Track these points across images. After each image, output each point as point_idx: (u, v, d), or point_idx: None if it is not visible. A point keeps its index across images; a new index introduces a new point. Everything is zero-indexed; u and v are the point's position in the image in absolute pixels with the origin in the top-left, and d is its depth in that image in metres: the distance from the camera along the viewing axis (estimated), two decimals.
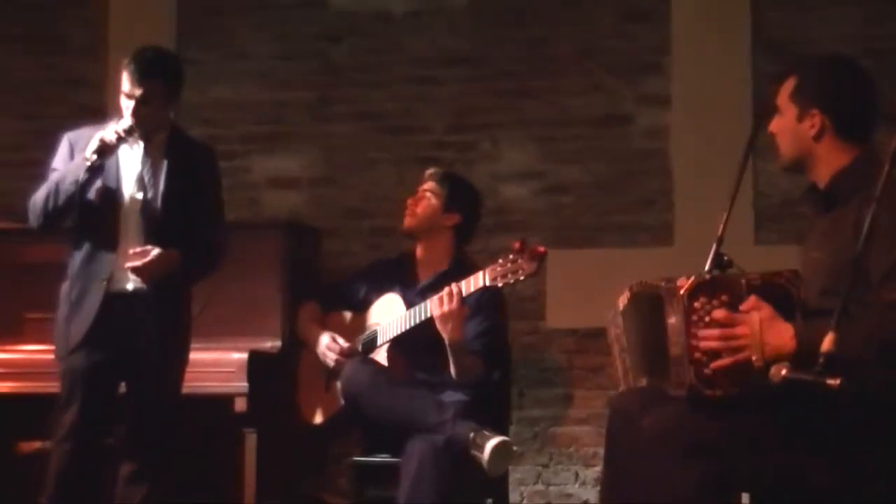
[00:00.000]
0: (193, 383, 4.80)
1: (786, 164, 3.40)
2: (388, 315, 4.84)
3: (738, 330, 3.09)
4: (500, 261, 4.45)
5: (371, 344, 4.87)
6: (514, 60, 6.34)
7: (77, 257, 4.54)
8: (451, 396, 4.67)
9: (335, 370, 4.88)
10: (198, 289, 4.73)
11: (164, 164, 4.57)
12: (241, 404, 5.32)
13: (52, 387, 4.61)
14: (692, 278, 3.17)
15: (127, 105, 4.47)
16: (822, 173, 3.30)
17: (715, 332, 3.11)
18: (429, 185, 4.98)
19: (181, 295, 4.64)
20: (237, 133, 6.52)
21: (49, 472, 4.51)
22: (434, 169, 5.10)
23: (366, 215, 6.38)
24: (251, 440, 5.35)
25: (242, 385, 5.31)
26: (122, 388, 4.62)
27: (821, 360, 2.80)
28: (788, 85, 3.34)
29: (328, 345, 4.94)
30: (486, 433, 4.40)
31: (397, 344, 4.78)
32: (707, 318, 3.13)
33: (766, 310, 3.09)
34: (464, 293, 4.53)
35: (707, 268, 3.32)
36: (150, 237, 4.48)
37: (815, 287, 3.18)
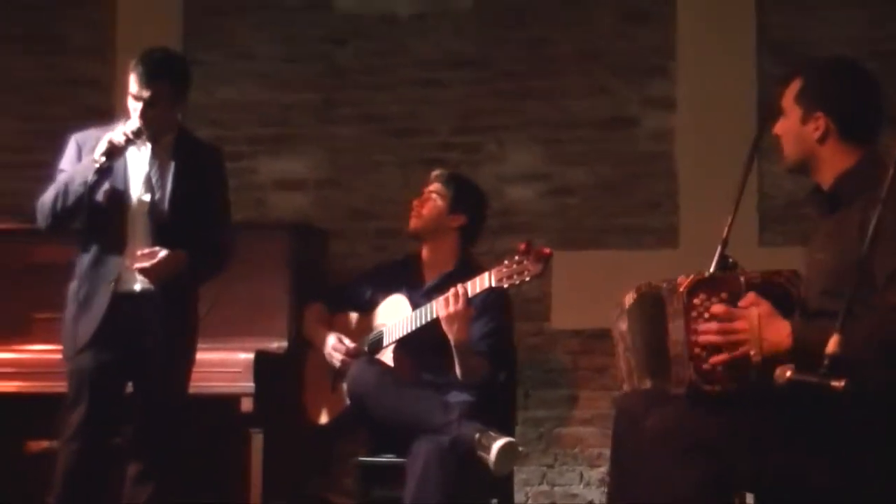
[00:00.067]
0: (200, 383, 4.81)
1: (790, 166, 3.41)
2: (394, 316, 4.85)
3: (737, 325, 3.11)
4: (506, 262, 4.45)
5: (377, 345, 4.87)
6: (519, 63, 6.35)
7: (85, 258, 4.56)
8: (457, 397, 4.67)
9: (341, 371, 4.88)
10: (205, 289, 4.75)
11: (172, 165, 4.59)
12: (247, 404, 5.33)
13: (60, 386, 4.62)
14: (692, 275, 3.19)
15: (135, 107, 4.48)
16: (827, 175, 3.31)
17: (714, 326, 3.13)
18: (434, 186, 4.99)
19: (188, 296, 4.65)
20: (244, 134, 6.54)
21: (56, 472, 4.53)
22: (439, 170, 5.09)
23: (372, 217, 6.39)
24: (257, 440, 5.36)
25: (249, 385, 5.32)
26: (130, 388, 4.62)
27: (825, 361, 2.81)
28: (793, 87, 3.35)
29: (334, 345, 4.95)
30: (492, 434, 4.40)
31: (403, 345, 4.78)
32: (706, 315, 3.15)
33: (765, 306, 3.11)
34: (469, 294, 4.53)
35: (712, 269, 3.34)
36: (158, 238, 4.49)
37: (818, 288, 3.19)
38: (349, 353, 4.90)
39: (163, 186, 4.56)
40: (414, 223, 4.97)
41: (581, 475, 6.11)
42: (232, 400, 5.33)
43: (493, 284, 4.48)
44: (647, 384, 3.35)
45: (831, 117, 3.28)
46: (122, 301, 4.50)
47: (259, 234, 5.72)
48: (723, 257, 3.40)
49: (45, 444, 5.43)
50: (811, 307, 3.19)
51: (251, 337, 5.50)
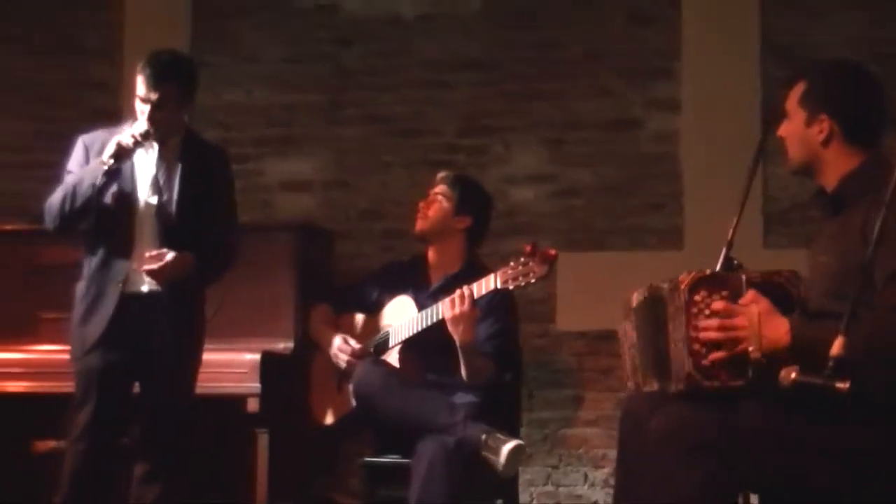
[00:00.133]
0: (206, 384, 4.82)
1: (794, 169, 3.42)
2: (400, 317, 4.86)
3: (737, 321, 3.12)
4: (512, 263, 4.46)
5: (383, 345, 4.89)
6: (524, 64, 6.36)
7: (92, 260, 4.56)
8: (462, 398, 4.68)
9: (347, 371, 4.89)
10: (211, 290, 4.75)
11: (179, 167, 4.59)
12: (253, 405, 5.34)
13: (67, 387, 4.64)
14: (693, 273, 3.21)
15: (142, 109, 4.49)
16: (831, 177, 3.32)
17: (714, 322, 3.14)
18: (440, 188, 4.99)
19: (195, 297, 4.66)
20: (250, 136, 6.55)
21: (63, 472, 4.54)
22: (445, 172, 5.10)
23: (378, 218, 6.40)
24: (263, 440, 5.37)
25: (255, 386, 5.33)
26: (136, 388, 4.63)
27: (830, 363, 2.82)
28: (797, 90, 3.35)
29: (340, 346, 4.97)
30: (500, 436, 4.41)
31: (409, 346, 4.80)
32: (707, 312, 3.16)
33: (765, 303, 3.12)
34: (475, 296, 4.54)
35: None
36: (165, 240, 4.50)
37: (821, 290, 3.20)
38: (355, 354, 4.91)
39: (170, 188, 4.56)
40: (420, 225, 4.98)
41: (586, 476, 6.12)
42: (238, 400, 5.34)
43: (499, 286, 4.49)
44: (653, 384, 3.36)
45: (835, 120, 3.29)
46: (130, 302, 4.51)
47: (265, 236, 5.72)
48: (728, 259, 3.41)
49: (52, 443, 5.44)
50: (813, 309, 3.20)
51: (257, 338, 5.51)
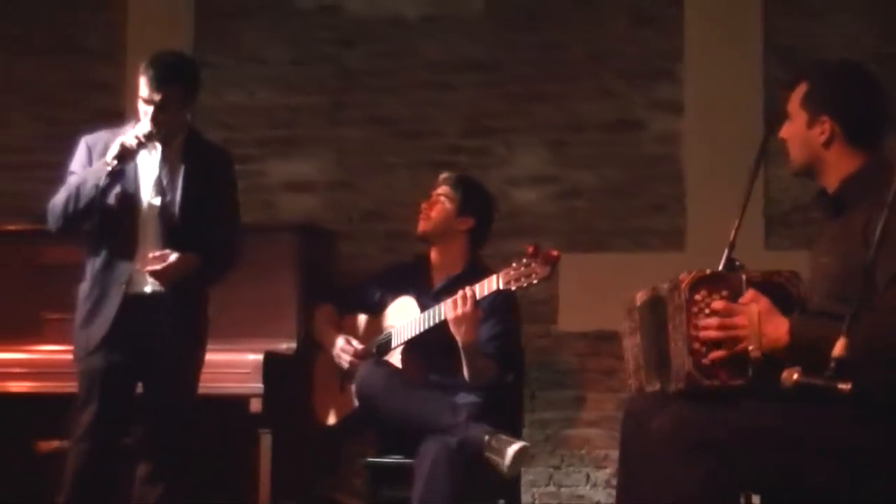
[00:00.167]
0: (209, 384, 4.82)
1: (796, 170, 3.42)
2: (403, 318, 4.87)
3: (737, 320, 3.13)
4: (514, 265, 4.47)
5: (385, 346, 4.90)
6: (527, 65, 6.36)
7: (96, 260, 4.57)
8: (465, 398, 4.69)
9: (350, 372, 4.91)
10: (214, 291, 4.76)
11: (182, 168, 4.60)
12: (256, 405, 5.34)
13: (70, 387, 4.65)
14: (694, 272, 3.22)
15: (145, 110, 4.49)
16: (832, 179, 3.32)
17: (714, 321, 3.15)
18: (443, 189, 5.00)
19: (198, 297, 4.67)
20: (253, 137, 6.55)
21: (66, 472, 4.55)
22: (448, 173, 5.12)
23: (380, 219, 6.40)
24: (266, 441, 5.37)
25: (258, 386, 5.33)
26: (139, 388, 4.64)
27: (832, 364, 2.83)
28: (799, 91, 3.36)
29: (343, 347, 4.98)
30: (504, 437, 4.42)
31: (411, 346, 4.81)
32: (707, 311, 3.17)
33: (764, 302, 3.13)
34: (477, 296, 4.55)
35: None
36: (168, 241, 4.51)
37: (822, 292, 3.21)
38: (357, 355, 4.92)
39: (173, 189, 4.57)
40: (422, 226, 4.99)
41: (588, 476, 6.12)
42: (241, 401, 5.33)
43: (501, 287, 4.50)
44: (655, 384, 3.37)
45: (837, 121, 3.29)
46: (133, 303, 4.52)
47: (268, 236, 5.73)
48: (730, 260, 3.42)
49: (55, 443, 5.46)
50: (815, 310, 3.20)
51: (260, 338, 5.50)
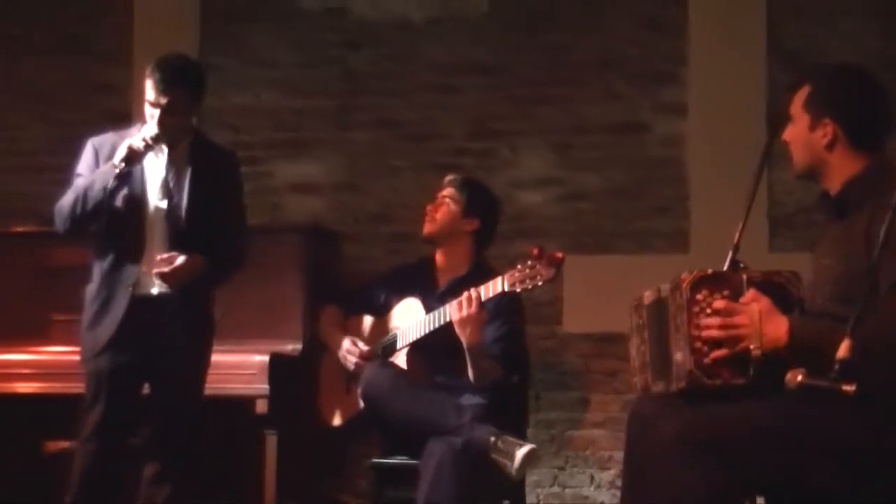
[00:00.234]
0: (215, 385, 4.83)
1: (799, 173, 3.43)
2: (408, 319, 4.89)
3: (738, 319, 3.15)
4: (519, 266, 4.48)
5: (391, 348, 4.91)
6: (532, 68, 6.37)
7: (102, 262, 4.58)
8: (470, 400, 4.70)
9: (355, 373, 4.92)
10: (220, 292, 4.77)
11: (189, 170, 4.61)
12: (262, 406, 5.34)
13: (78, 388, 4.66)
14: (695, 272, 3.24)
15: (152, 113, 4.50)
16: (835, 182, 3.33)
17: (716, 320, 3.17)
18: (448, 191, 5.02)
19: (204, 299, 4.69)
20: (259, 139, 6.56)
21: (73, 472, 4.56)
22: (453, 175, 5.13)
23: (386, 220, 6.42)
24: (272, 442, 5.37)
25: (263, 387, 5.33)
26: (146, 389, 4.65)
27: (836, 366, 2.85)
28: (801, 94, 3.37)
29: (348, 348, 4.99)
30: (510, 439, 4.43)
31: (417, 348, 4.82)
32: (708, 310, 3.19)
33: (765, 302, 3.15)
34: (482, 298, 4.56)
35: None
36: (175, 243, 4.52)
37: (825, 293, 3.22)
38: (363, 356, 4.94)
39: (180, 191, 4.58)
40: (428, 228, 5.00)
41: (592, 477, 6.13)
42: (247, 402, 5.34)
43: (506, 289, 4.51)
44: (659, 384, 3.38)
45: (839, 124, 3.30)
46: (140, 304, 4.53)
47: (274, 238, 5.73)
48: (734, 262, 3.43)
49: (62, 444, 5.47)
50: (818, 312, 3.21)
51: (266, 339, 5.51)
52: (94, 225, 4.55)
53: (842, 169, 3.32)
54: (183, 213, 4.57)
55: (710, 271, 3.27)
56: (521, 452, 4.37)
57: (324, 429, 5.16)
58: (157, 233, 4.57)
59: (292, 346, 5.58)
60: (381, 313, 5.07)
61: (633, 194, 6.22)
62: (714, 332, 3.17)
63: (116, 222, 4.53)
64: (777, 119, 3.62)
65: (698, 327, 3.19)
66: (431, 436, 4.53)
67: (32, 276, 5.85)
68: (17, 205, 6.54)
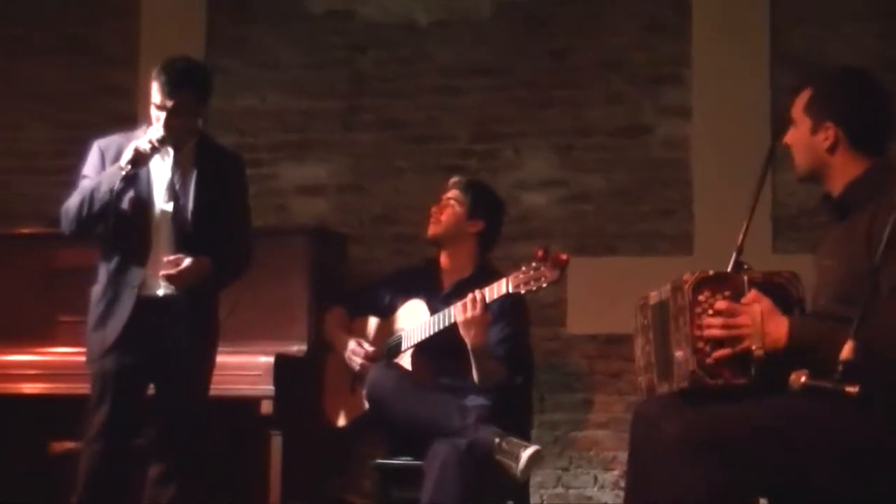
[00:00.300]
0: (221, 386, 4.84)
1: (802, 176, 3.44)
2: (413, 321, 4.89)
3: (740, 320, 3.16)
4: (523, 268, 4.48)
5: (396, 349, 4.92)
6: (536, 71, 6.39)
7: (108, 264, 4.58)
8: (474, 401, 4.70)
9: (360, 374, 4.92)
10: (226, 293, 4.77)
11: (194, 172, 4.61)
12: (267, 407, 5.35)
13: (84, 388, 4.65)
14: (697, 273, 3.25)
15: (158, 115, 4.50)
16: (837, 184, 3.34)
17: (718, 321, 3.19)
18: (452, 192, 5.02)
19: (210, 300, 4.68)
20: (265, 141, 6.58)
21: (79, 472, 4.55)
22: (458, 177, 5.14)
23: (391, 222, 6.43)
24: (277, 442, 5.38)
25: (269, 388, 5.34)
26: (151, 390, 4.66)
27: (839, 367, 2.86)
28: (803, 97, 3.37)
29: (354, 349, 5.00)
30: (515, 440, 4.43)
31: (421, 349, 4.82)
32: (710, 311, 3.21)
33: (766, 302, 3.17)
34: (487, 300, 4.57)
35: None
36: (181, 245, 4.53)
37: (828, 294, 3.24)
38: (368, 357, 4.95)
39: (185, 193, 4.59)
40: (433, 230, 5.01)
41: (595, 478, 6.14)
42: (252, 402, 5.35)
43: (511, 290, 4.51)
44: (663, 385, 3.39)
45: (841, 127, 3.31)
46: (146, 305, 4.53)
47: (280, 239, 5.74)
48: (738, 264, 3.44)
49: (68, 444, 5.47)
50: (822, 312, 3.23)
51: (271, 340, 5.52)
52: (100, 227, 4.54)
53: (844, 171, 3.33)
54: (188, 215, 4.57)
55: (711, 272, 3.28)
56: (526, 454, 4.38)
57: (329, 429, 5.17)
58: (162, 235, 4.58)
59: (297, 347, 5.59)
60: (386, 314, 5.08)
61: (637, 196, 6.23)
62: (716, 333, 3.19)
63: (122, 224, 4.52)
64: (780, 122, 3.63)
65: (700, 327, 3.21)
66: (436, 437, 4.54)
67: (38, 278, 5.86)
68: (24, 206, 6.57)
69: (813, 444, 3.07)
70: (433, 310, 4.83)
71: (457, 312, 4.61)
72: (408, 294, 5.00)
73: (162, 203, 4.60)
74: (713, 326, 3.20)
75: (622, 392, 6.04)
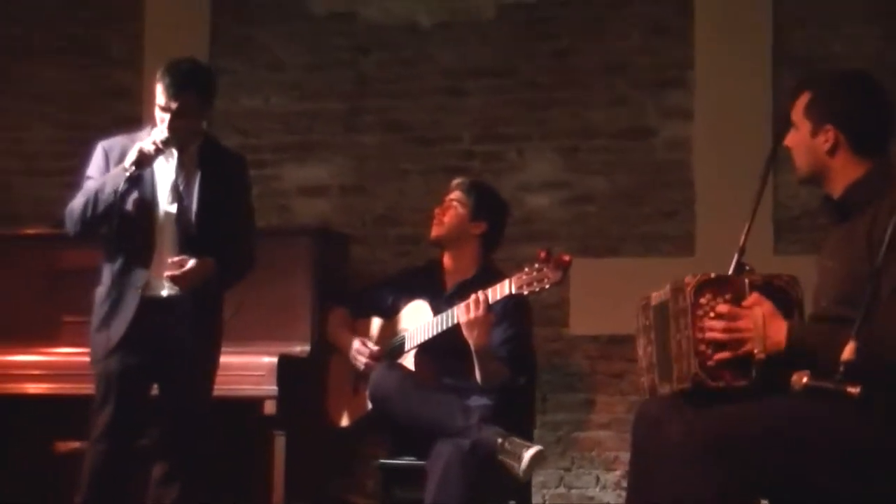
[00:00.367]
0: (224, 386, 4.84)
1: (802, 178, 3.44)
2: (416, 321, 4.90)
3: (741, 323, 3.18)
4: (526, 269, 4.49)
5: (399, 349, 4.93)
6: (539, 72, 6.39)
7: (112, 265, 4.59)
8: (477, 401, 4.71)
9: (364, 374, 4.93)
10: (229, 294, 4.78)
11: (198, 173, 4.62)
12: (270, 407, 5.35)
13: (88, 388, 4.67)
14: (698, 275, 3.26)
15: (162, 117, 4.51)
16: (838, 186, 3.34)
17: (720, 324, 3.20)
18: (456, 194, 5.03)
19: (213, 301, 4.69)
20: (268, 142, 6.59)
21: (83, 472, 4.57)
22: (461, 179, 5.15)
23: (394, 223, 6.44)
24: (280, 442, 5.38)
25: (272, 388, 5.34)
26: (155, 390, 4.67)
27: (841, 368, 2.87)
28: (803, 100, 3.37)
29: (358, 348, 5.00)
30: (517, 440, 4.44)
31: (425, 349, 4.83)
32: (712, 314, 3.22)
33: (767, 305, 3.18)
34: (490, 301, 4.58)
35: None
36: (185, 246, 4.54)
37: (829, 295, 3.25)
38: (374, 357, 4.95)
39: (189, 195, 4.59)
40: (436, 231, 5.01)
41: (598, 478, 6.14)
42: (255, 403, 5.35)
43: (514, 291, 4.52)
44: (665, 385, 3.39)
45: (841, 130, 3.31)
46: (150, 306, 4.54)
47: (283, 240, 5.75)
48: (740, 265, 3.45)
49: (73, 444, 5.50)
50: (824, 313, 3.24)
51: (275, 341, 5.52)
52: (104, 228, 4.55)
53: (844, 173, 3.33)
54: (192, 216, 4.58)
55: (713, 275, 3.29)
56: (528, 454, 4.39)
57: (332, 429, 5.17)
58: (166, 236, 4.59)
59: (301, 348, 5.59)
60: (390, 315, 5.09)
61: (640, 198, 6.24)
62: (718, 335, 3.20)
63: (127, 225, 4.53)
64: (780, 124, 3.64)
65: (702, 330, 3.22)
66: (439, 437, 4.55)
67: (42, 279, 5.87)
68: (27, 207, 6.58)
69: (814, 444, 3.08)
70: (436, 310, 4.84)
71: (460, 313, 4.62)
72: (411, 295, 5.00)
73: (166, 204, 4.60)
74: (715, 329, 3.21)
75: (624, 392, 6.05)
